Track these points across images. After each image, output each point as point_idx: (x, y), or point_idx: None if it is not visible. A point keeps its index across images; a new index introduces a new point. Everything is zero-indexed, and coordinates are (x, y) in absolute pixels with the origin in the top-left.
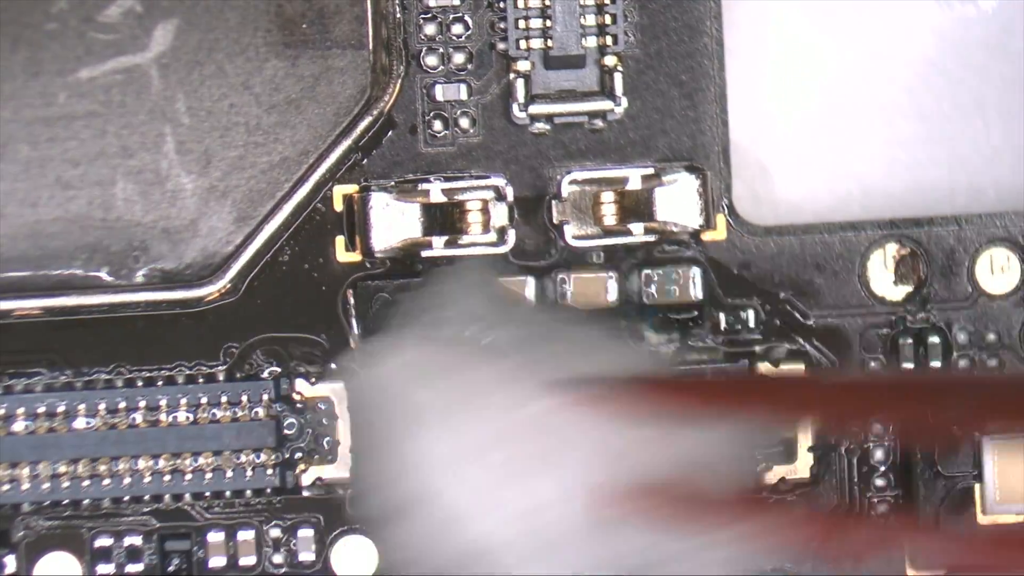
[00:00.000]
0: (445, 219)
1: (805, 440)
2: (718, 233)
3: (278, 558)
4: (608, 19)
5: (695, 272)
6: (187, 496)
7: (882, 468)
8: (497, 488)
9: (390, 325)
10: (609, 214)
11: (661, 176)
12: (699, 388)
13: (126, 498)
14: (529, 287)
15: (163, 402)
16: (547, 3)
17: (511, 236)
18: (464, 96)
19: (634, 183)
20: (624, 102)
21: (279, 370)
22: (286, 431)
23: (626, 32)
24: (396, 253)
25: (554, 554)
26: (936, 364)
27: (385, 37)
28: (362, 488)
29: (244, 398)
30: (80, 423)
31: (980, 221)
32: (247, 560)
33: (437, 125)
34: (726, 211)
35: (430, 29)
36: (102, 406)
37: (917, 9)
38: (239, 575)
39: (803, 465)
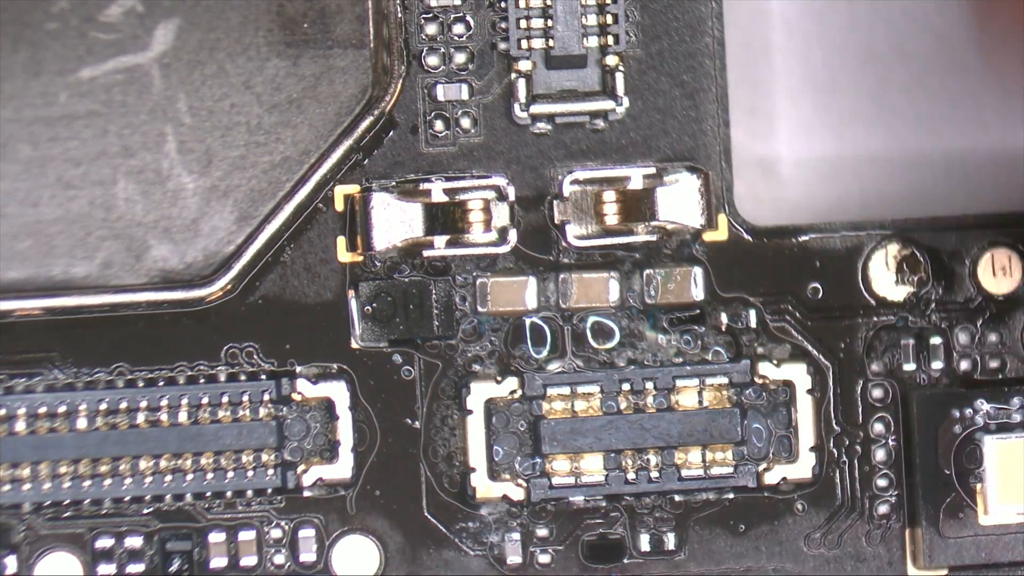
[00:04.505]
0: (446, 219)
1: (807, 440)
2: (719, 233)
3: (279, 558)
4: (609, 19)
5: (696, 272)
6: (188, 496)
7: (883, 468)
8: None
9: None
10: (611, 214)
11: (663, 176)
12: None
13: (127, 498)
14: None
15: (164, 402)
16: (548, 3)
17: (512, 236)
18: (465, 96)
19: (636, 183)
20: (625, 102)
21: (280, 370)
22: (287, 431)
23: (627, 32)
24: (397, 253)
25: None
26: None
27: (386, 37)
28: None
29: (245, 398)
30: (81, 423)
31: (980, 221)
32: (248, 560)
33: (438, 125)
34: (727, 211)
35: (431, 29)
36: (103, 406)
37: (916, 9)
38: (240, 575)
39: (804, 465)
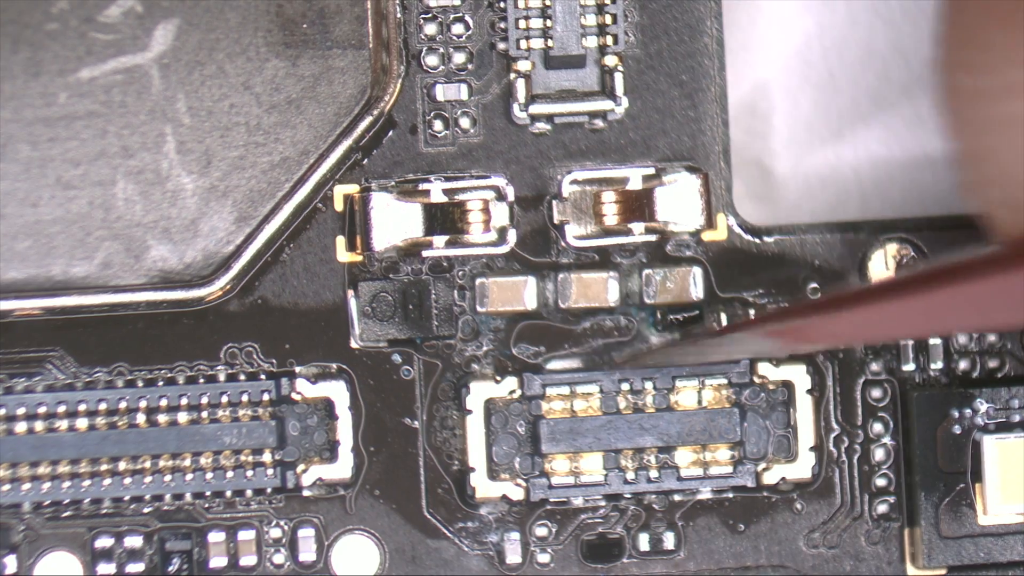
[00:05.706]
0: (446, 219)
1: (806, 439)
2: (718, 233)
3: (279, 558)
4: (608, 19)
5: (695, 272)
6: (188, 496)
7: (882, 468)
8: None
9: None
10: (610, 214)
11: (662, 176)
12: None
13: (127, 498)
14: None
15: (164, 402)
16: (547, 3)
17: (511, 236)
18: (465, 96)
19: (635, 183)
20: (624, 102)
21: (280, 370)
22: (287, 431)
23: (626, 32)
24: (397, 253)
25: None
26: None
27: (385, 37)
28: None
29: (245, 398)
30: (81, 423)
31: (978, 221)
32: (248, 560)
33: (438, 125)
34: (726, 211)
35: (430, 29)
36: (103, 406)
37: (916, 10)
38: (240, 575)
39: (803, 464)
